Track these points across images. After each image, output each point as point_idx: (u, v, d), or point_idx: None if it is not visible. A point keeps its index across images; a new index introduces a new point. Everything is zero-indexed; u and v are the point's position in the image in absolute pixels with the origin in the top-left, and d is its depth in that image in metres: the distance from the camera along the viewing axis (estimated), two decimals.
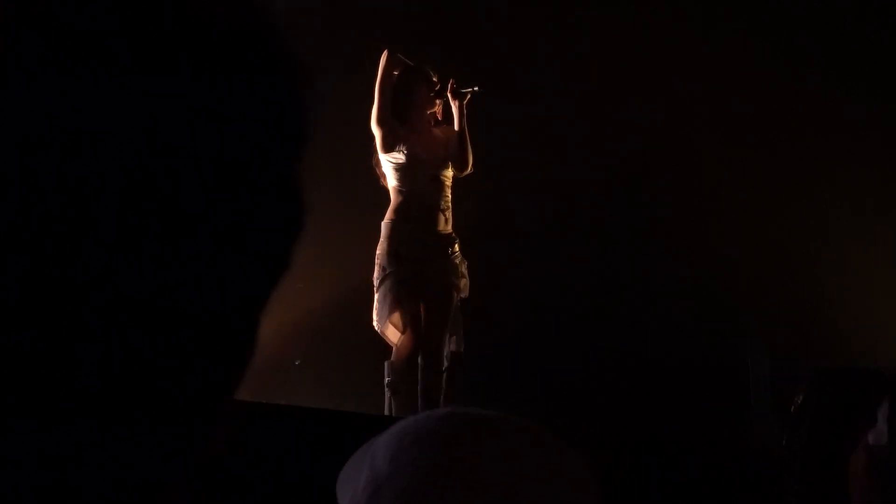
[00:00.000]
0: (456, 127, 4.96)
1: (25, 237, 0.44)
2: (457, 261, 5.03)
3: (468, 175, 5.06)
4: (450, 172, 5.04)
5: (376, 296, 4.89)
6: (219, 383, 0.50)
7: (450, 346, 5.01)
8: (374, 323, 4.90)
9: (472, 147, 4.97)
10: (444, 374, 4.95)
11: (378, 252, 4.92)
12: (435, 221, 4.95)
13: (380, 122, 4.89)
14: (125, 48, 0.47)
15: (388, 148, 4.90)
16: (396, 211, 4.92)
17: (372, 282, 4.97)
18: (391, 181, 4.97)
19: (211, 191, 0.48)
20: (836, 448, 1.79)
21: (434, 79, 5.00)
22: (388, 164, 4.95)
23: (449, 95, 4.95)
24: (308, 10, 5.68)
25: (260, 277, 0.51)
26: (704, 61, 6.59)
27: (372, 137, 4.96)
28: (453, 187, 5.09)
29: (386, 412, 4.89)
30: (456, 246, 5.04)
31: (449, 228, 5.03)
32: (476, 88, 4.95)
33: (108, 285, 0.45)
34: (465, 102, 4.94)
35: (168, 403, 0.48)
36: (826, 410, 1.86)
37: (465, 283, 5.05)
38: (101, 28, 0.47)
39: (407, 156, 4.88)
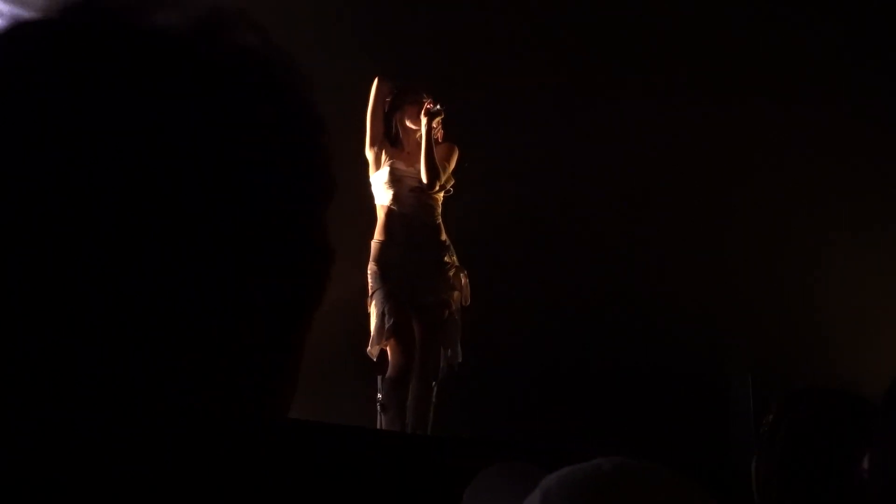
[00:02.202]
0: (423, 146, 5.01)
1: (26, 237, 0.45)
2: (451, 272, 5.05)
3: (438, 191, 5.06)
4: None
5: (371, 317, 4.93)
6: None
7: (444, 357, 5.00)
8: (368, 348, 4.90)
9: (437, 165, 4.99)
10: (435, 388, 4.97)
11: (368, 272, 4.98)
12: (420, 235, 5.00)
13: (371, 146, 5.05)
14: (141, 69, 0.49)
15: (377, 167, 5.05)
16: (382, 230, 5.00)
17: (364, 291, 5.01)
18: (378, 199, 5.07)
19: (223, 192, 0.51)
20: (811, 467, 1.82)
21: (425, 100, 5.07)
22: (376, 181, 5.06)
23: (422, 115, 5.01)
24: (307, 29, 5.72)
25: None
26: (701, 65, 6.58)
27: (365, 160, 5.08)
28: (453, 198, 5.15)
29: (378, 426, 4.91)
30: (447, 257, 5.06)
31: (441, 238, 5.08)
32: (438, 107, 5.01)
33: (107, 285, 0.46)
34: (432, 123, 5.00)
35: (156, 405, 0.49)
36: (799, 430, 1.87)
37: (458, 294, 5.05)
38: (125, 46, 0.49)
39: (389, 171, 5.01)
